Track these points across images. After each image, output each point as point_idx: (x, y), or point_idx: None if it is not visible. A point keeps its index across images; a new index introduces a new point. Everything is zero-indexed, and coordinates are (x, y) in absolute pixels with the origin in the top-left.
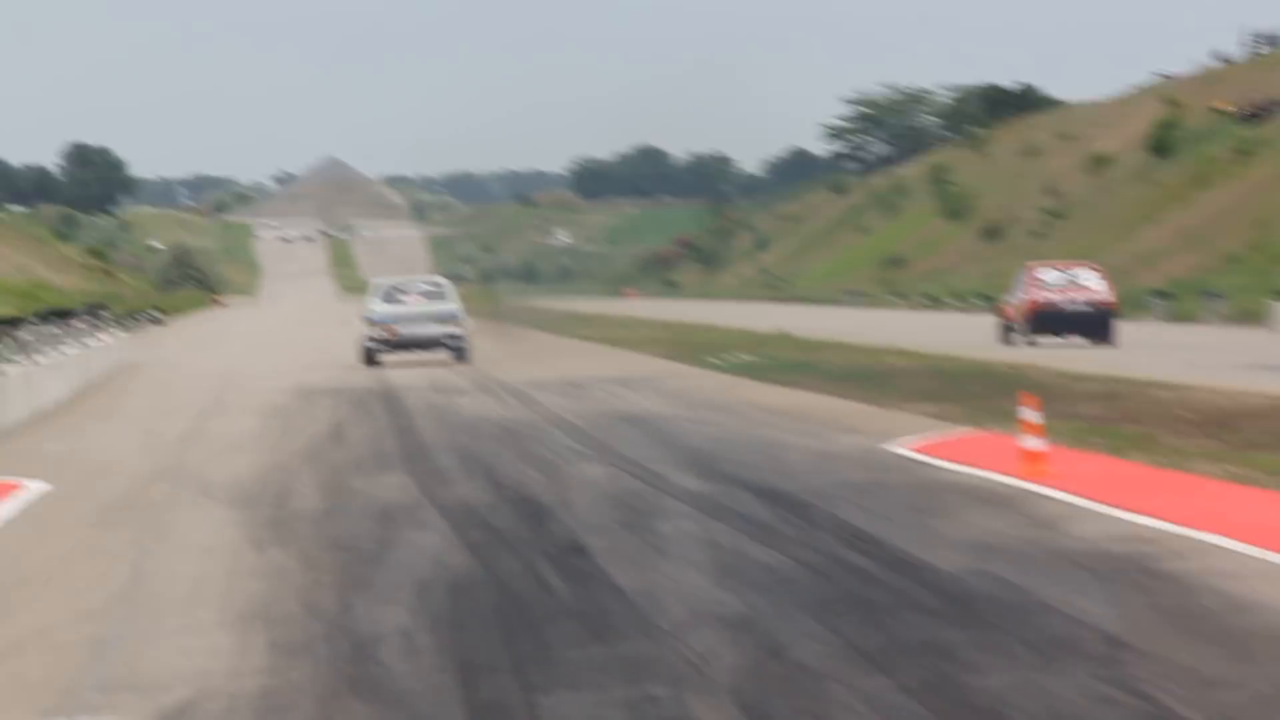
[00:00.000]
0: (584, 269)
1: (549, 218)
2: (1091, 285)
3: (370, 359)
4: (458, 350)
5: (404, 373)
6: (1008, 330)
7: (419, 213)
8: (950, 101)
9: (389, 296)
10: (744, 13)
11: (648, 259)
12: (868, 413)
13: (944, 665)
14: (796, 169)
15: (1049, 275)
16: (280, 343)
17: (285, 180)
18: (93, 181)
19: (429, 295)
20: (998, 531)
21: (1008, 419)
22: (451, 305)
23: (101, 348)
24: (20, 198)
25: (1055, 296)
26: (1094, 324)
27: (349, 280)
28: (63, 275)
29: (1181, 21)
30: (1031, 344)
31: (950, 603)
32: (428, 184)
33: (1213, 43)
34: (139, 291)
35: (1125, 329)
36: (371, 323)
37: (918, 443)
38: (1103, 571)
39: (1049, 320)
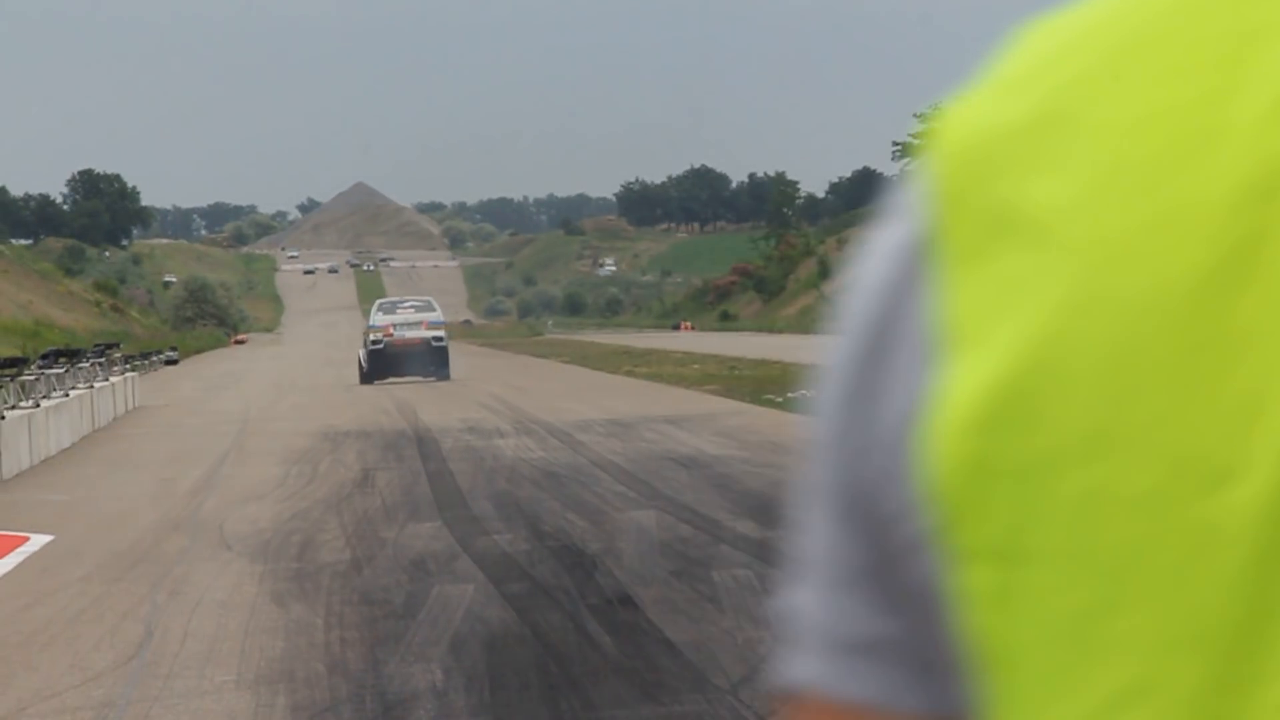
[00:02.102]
0: (633, 300)
1: (595, 246)
2: None
3: (366, 376)
4: (440, 357)
5: (438, 414)
6: None
7: (454, 241)
8: None
9: (385, 309)
10: (806, 22)
11: (702, 289)
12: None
13: None
14: (864, 190)
15: None
16: (304, 383)
17: (310, 208)
18: (102, 211)
19: (418, 308)
20: None
21: None
22: (437, 315)
23: (111, 390)
24: (24, 230)
25: None
26: None
27: None
28: (69, 313)
29: None
30: None
31: None
32: (463, 211)
33: None
34: (152, 329)
35: None
36: (371, 329)
37: None
38: None
39: None
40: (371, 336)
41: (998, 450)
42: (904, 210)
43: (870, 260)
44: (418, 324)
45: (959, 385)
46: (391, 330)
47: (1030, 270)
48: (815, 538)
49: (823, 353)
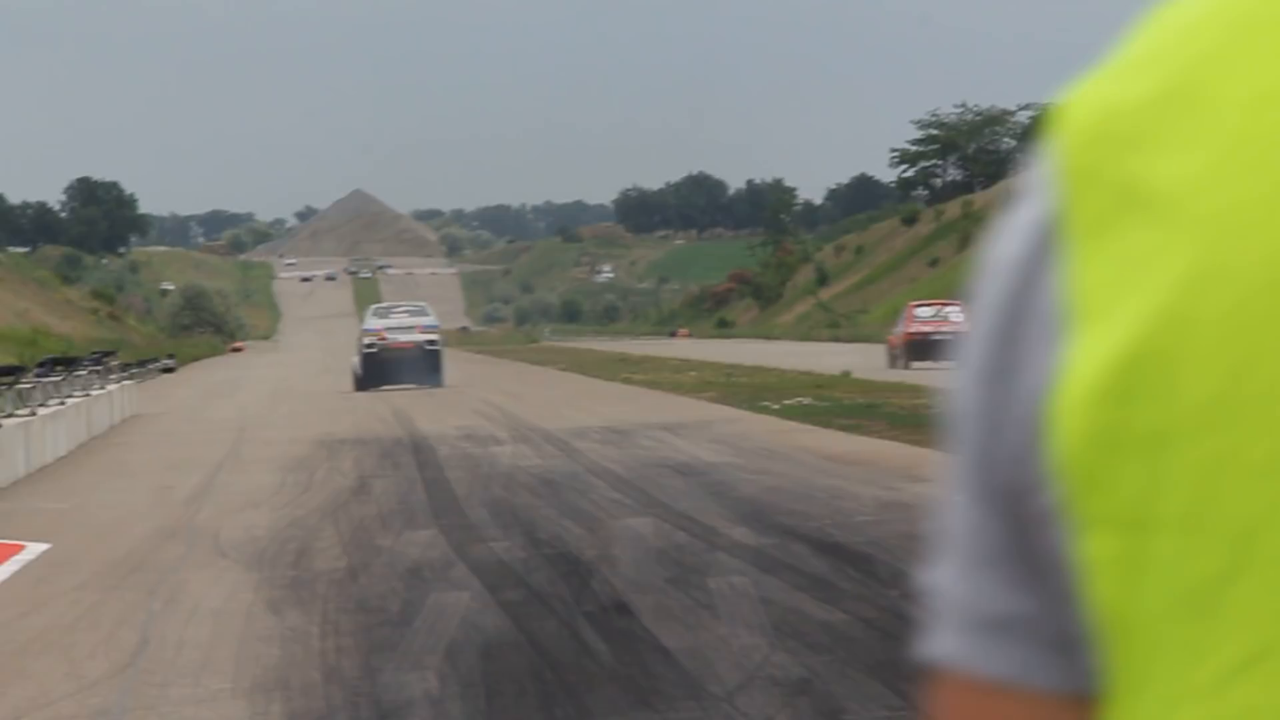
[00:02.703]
0: (630, 307)
1: (592, 252)
2: (956, 319)
3: (361, 381)
4: (434, 360)
5: (434, 421)
6: (893, 358)
7: (452, 248)
8: (1030, 122)
9: (379, 314)
10: (803, 30)
11: (699, 296)
12: (938, 459)
13: None
14: (862, 197)
15: (923, 311)
16: (301, 390)
17: (308, 216)
18: (99, 219)
19: (412, 312)
20: None
21: None
22: (431, 320)
23: (108, 398)
24: (21, 237)
25: (927, 328)
26: None
27: None
28: (67, 321)
29: None
30: (908, 368)
31: None
32: (461, 218)
33: None
34: (149, 337)
35: None
36: (366, 332)
37: None
38: None
39: (922, 348)
40: (366, 340)
41: (1123, 421)
42: (1035, 188)
43: (1003, 239)
44: (411, 328)
45: (1085, 358)
46: (385, 334)
47: (1154, 244)
48: (956, 515)
49: (961, 331)
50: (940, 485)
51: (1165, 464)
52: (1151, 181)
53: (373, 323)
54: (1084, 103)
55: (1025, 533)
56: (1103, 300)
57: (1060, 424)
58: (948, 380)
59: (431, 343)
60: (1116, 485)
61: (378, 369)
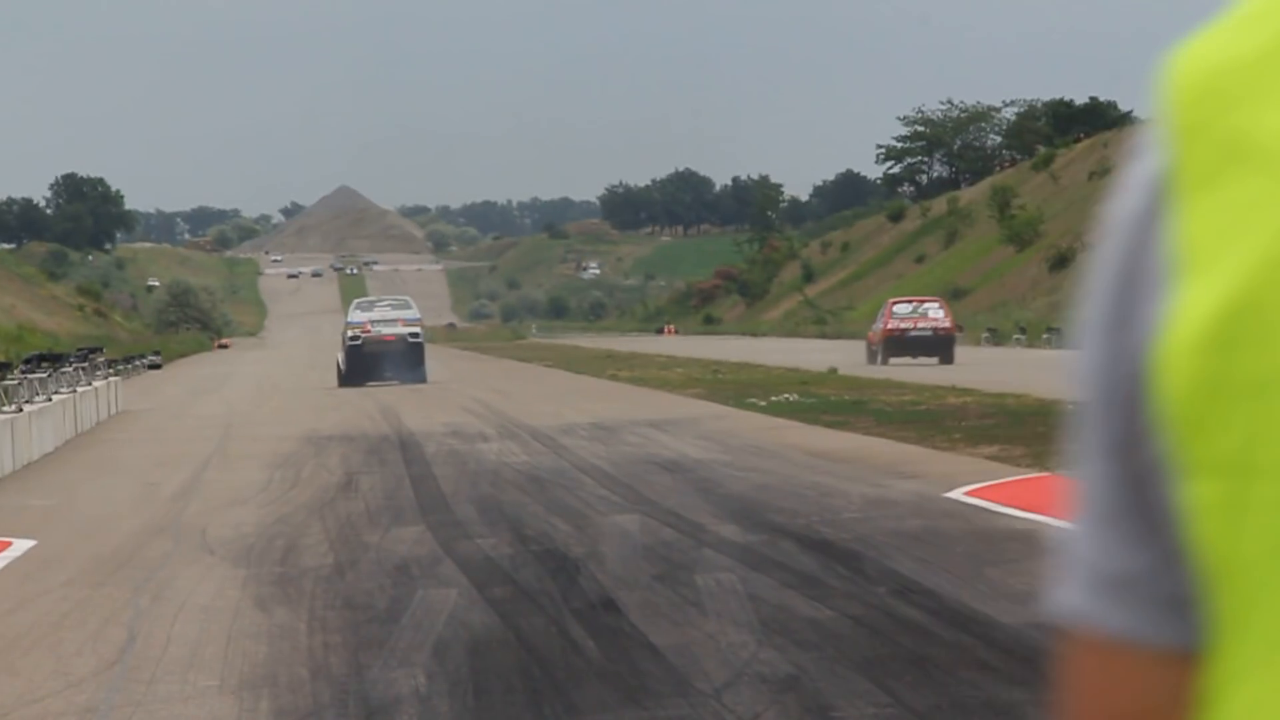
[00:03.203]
0: (616, 304)
1: (578, 249)
2: (934, 315)
3: (345, 376)
4: (417, 353)
5: (421, 418)
6: (871, 354)
7: (438, 245)
8: (1014, 119)
9: (363, 307)
10: (788, 25)
11: (685, 293)
12: (924, 455)
13: None
14: (847, 194)
15: (901, 308)
16: (287, 387)
17: (293, 212)
18: (85, 215)
19: (395, 306)
20: None
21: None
22: (414, 313)
23: (94, 394)
24: (6, 233)
25: (905, 325)
26: (937, 346)
27: None
28: (52, 317)
29: None
30: (886, 364)
31: (1012, 659)
32: (447, 214)
33: None
34: (135, 333)
35: None
36: (350, 325)
37: (977, 487)
38: None
39: (899, 344)
40: (349, 333)
41: (1228, 368)
42: (1150, 144)
43: (1121, 194)
44: (394, 321)
45: (1190, 308)
46: (369, 327)
47: (1259, 195)
48: (1083, 470)
49: (1082, 287)
50: (1072, 441)
51: (1270, 410)
52: (1257, 135)
53: (356, 316)
54: (1193, 60)
55: (1140, 486)
56: (1209, 251)
57: (1166, 372)
58: (1072, 336)
59: (415, 335)
60: (1220, 432)
61: (361, 362)
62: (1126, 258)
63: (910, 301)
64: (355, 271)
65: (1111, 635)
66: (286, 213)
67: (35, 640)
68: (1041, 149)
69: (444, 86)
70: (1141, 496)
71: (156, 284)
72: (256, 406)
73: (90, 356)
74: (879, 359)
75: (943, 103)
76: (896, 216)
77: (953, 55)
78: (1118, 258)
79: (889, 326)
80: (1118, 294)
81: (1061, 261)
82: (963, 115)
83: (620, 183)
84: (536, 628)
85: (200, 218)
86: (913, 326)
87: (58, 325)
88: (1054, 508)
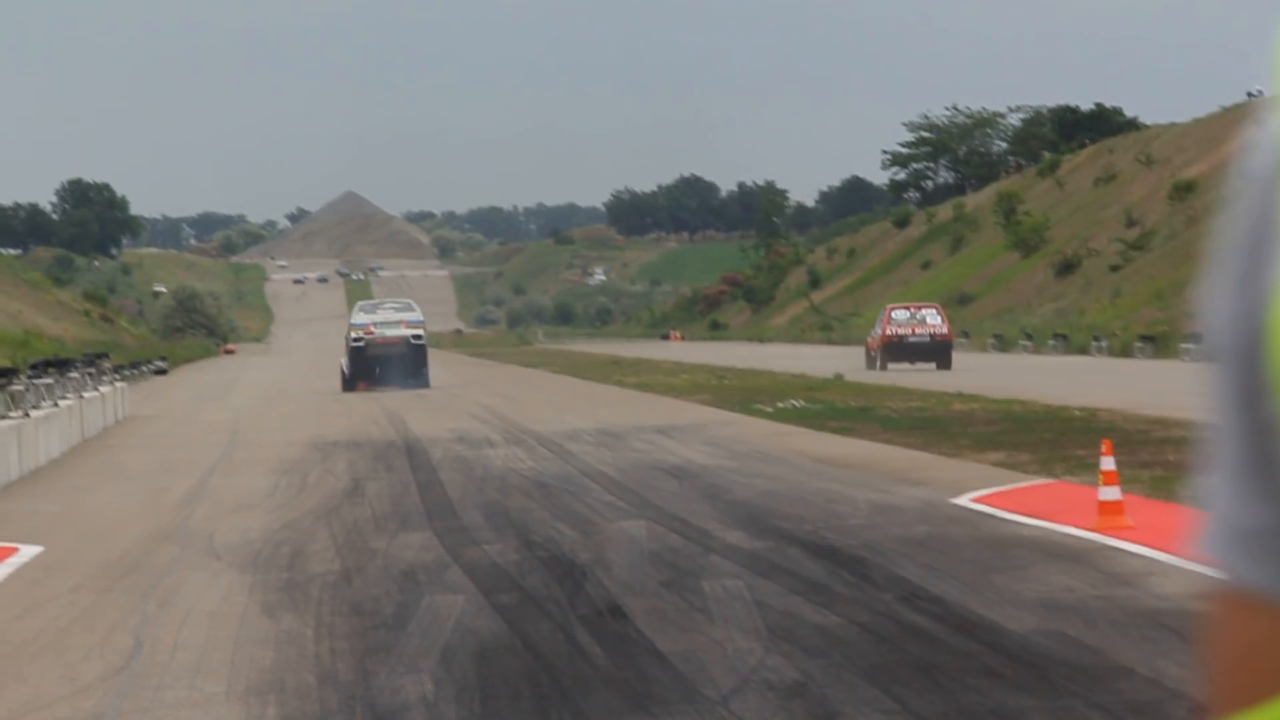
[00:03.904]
0: (622, 310)
1: (584, 255)
2: (932, 322)
3: (349, 378)
4: (419, 355)
5: (427, 424)
6: (871, 359)
7: (444, 250)
8: (1020, 124)
9: (366, 309)
10: (794, 31)
11: (691, 298)
12: (930, 462)
13: None
14: (853, 200)
15: (900, 314)
16: (293, 392)
17: (299, 217)
18: (91, 221)
19: (398, 309)
20: (1071, 589)
21: (1080, 467)
22: (416, 315)
23: (100, 400)
24: (13, 239)
25: (904, 331)
26: (934, 352)
27: None
28: (59, 322)
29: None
30: (885, 369)
31: (1020, 666)
32: (453, 220)
33: None
34: (141, 339)
35: None
36: (354, 327)
37: (983, 493)
38: (1187, 632)
39: (898, 350)
40: (353, 334)
41: None
42: (1277, 106)
43: (1251, 155)
44: (397, 323)
45: None
46: (372, 329)
47: None
48: (1218, 428)
49: (1217, 243)
50: (1208, 400)
51: None
52: None
53: (360, 318)
54: None
55: (1263, 441)
56: None
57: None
58: (1204, 293)
59: (418, 337)
60: None
61: (364, 364)
62: (1254, 215)
63: (908, 308)
64: (361, 277)
65: (1246, 588)
66: (292, 218)
67: (42, 646)
68: (1047, 155)
69: (450, 92)
70: (1266, 452)
71: (162, 289)
72: (263, 412)
73: (96, 362)
74: (878, 364)
75: (948, 109)
76: (902, 222)
77: (958, 61)
78: (1246, 215)
79: (887, 332)
80: (1247, 251)
81: (1067, 267)
82: (968, 121)
83: (626, 188)
84: (543, 634)
85: (206, 223)
86: (911, 332)
87: (64, 331)
88: (1060, 513)
